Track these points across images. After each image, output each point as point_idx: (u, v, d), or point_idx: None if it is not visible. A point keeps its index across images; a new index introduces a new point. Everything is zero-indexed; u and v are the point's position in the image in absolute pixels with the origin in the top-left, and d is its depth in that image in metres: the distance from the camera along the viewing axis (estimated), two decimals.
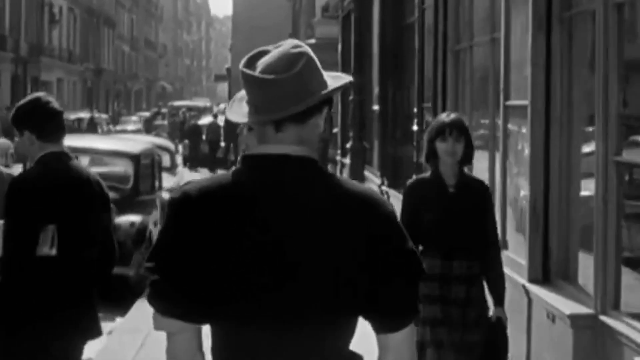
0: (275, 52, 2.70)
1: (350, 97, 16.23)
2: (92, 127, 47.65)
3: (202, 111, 56.26)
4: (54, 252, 4.73)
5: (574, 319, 6.23)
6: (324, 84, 2.71)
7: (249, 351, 2.63)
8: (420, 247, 5.46)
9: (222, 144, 33.98)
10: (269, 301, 2.59)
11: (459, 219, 5.48)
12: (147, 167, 14.37)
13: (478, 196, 5.57)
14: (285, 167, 2.66)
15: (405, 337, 2.69)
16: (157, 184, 14.93)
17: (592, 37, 6.58)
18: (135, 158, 13.87)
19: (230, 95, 57.13)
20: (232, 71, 60.91)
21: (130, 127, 52.53)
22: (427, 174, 5.63)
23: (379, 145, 15.19)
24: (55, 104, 4.94)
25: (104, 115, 55.54)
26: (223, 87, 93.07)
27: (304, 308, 2.60)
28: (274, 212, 2.61)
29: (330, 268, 2.60)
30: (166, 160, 18.68)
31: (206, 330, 2.69)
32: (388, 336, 2.68)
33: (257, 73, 2.67)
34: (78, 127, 45.46)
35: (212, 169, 31.09)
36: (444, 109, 10.60)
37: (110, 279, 5.09)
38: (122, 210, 12.76)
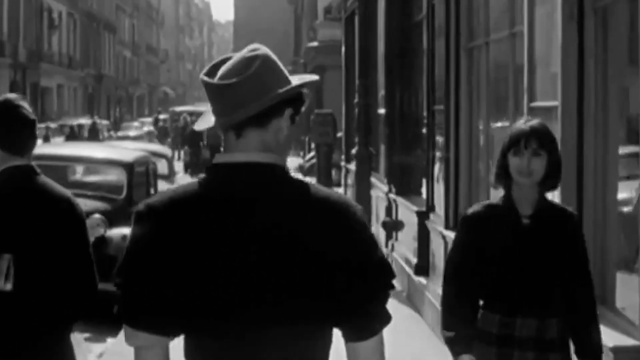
0: (234, 58, 2.69)
1: (355, 100, 15.46)
2: (94, 133, 47.39)
3: None
4: (9, 286, 3.91)
5: (618, 352, 5.38)
6: (284, 84, 2.66)
7: None
8: (482, 302, 4.27)
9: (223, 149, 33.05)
10: (245, 313, 2.57)
11: (533, 261, 4.14)
12: (141, 175, 13.61)
13: (562, 231, 4.20)
14: (249, 175, 2.64)
15: (374, 346, 2.67)
16: (152, 193, 14.19)
17: (632, 27, 5.81)
18: (128, 166, 13.10)
19: None
20: None
21: (132, 133, 52.24)
22: (495, 199, 4.36)
23: (385, 150, 14.41)
24: (26, 109, 4.05)
25: (104, 122, 55.00)
26: None
27: (281, 320, 2.58)
28: (241, 222, 2.58)
29: (305, 279, 2.58)
30: (163, 168, 17.95)
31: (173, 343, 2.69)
32: (357, 345, 2.67)
33: (215, 80, 2.65)
34: (79, 133, 44.72)
35: None
36: (456, 112, 9.85)
37: (93, 304, 4.20)
38: (115, 222, 12.03)
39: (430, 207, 10.74)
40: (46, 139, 40.79)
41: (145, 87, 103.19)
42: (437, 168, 10.73)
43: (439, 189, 10.48)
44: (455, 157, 9.84)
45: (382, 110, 14.88)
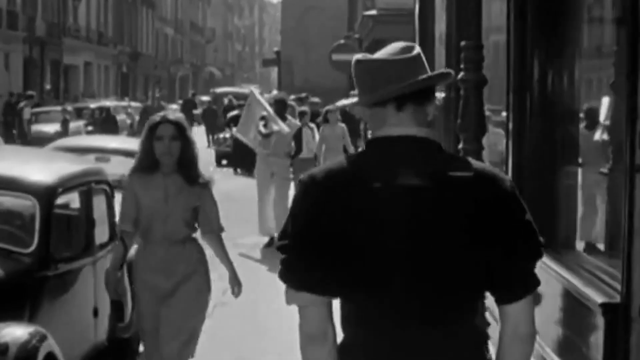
0: (389, 46, 2.97)
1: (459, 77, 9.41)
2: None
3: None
4: None
5: None
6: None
7: (380, 326, 2.83)
8: None
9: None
10: (397, 281, 2.79)
11: None
12: (75, 207, 7.62)
13: None
14: (410, 147, 2.89)
15: (523, 308, 2.86)
16: (100, 236, 7.96)
17: None
18: (43, 196, 6.98)
19: (281, 80, 51.36)
20: (282, 54, 55.10)
21: (170, 116, 46.87)
22: None
23: (509, 162, 8.26)
24: None
25: (134, 104, 49.27)
26: (276, 73, 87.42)
27: (432, 287, 2.79)
28: (399, 193, 2.81)
29: (456, 248, 2.79)
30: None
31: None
32: (507, 307, 2.87)
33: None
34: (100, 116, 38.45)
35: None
36: None
37: None
38: (14, 300, 6.37)
39: None
40: (65, 125, 34.81)
41: (189, 68, 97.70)
42: None
43: None
44: None
45: (496, 107, 8.70)
